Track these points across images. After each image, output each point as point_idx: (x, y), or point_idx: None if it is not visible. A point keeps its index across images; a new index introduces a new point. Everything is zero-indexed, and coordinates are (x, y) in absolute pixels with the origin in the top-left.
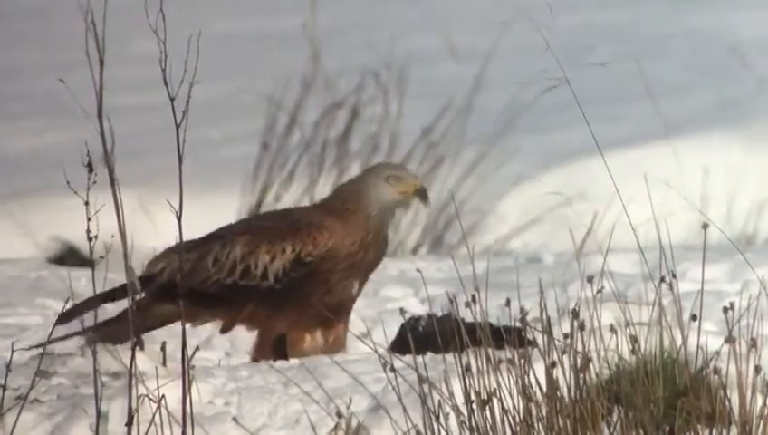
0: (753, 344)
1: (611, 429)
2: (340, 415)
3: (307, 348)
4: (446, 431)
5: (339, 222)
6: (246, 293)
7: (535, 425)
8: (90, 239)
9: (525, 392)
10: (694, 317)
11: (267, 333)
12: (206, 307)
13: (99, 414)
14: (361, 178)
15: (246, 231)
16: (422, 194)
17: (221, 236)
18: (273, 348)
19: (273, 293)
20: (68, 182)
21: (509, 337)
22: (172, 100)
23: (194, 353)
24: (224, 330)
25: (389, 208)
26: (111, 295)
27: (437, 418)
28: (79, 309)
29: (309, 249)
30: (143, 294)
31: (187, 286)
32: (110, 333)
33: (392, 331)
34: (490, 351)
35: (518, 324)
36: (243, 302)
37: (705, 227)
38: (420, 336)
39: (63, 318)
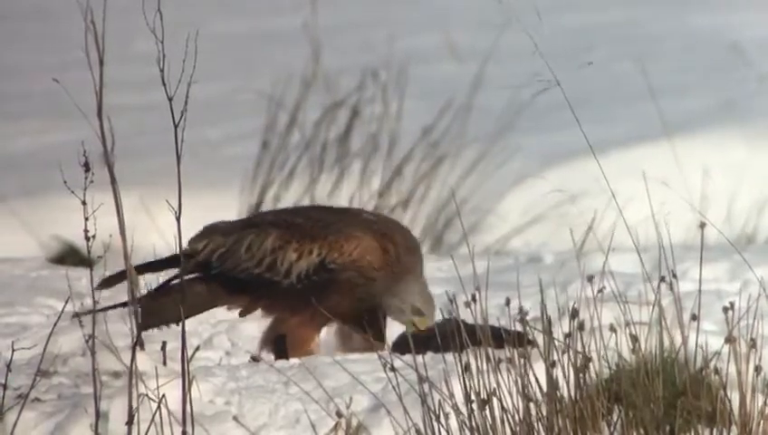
0: (753, 344)
1: (611, 428)
2: (340, 414)
3: (314, 348)
4: (446, 431)
5: (371, 240)
6: (269, 286)
7: (535, 425)
8: (87, 239)
9: (525, 392)
10: (694, 317)
11: (274, 326)
12: (233, 292)
13: (99, 413)
14: (415, 277)
15: (280, 224)
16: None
17: (258, 224)
18: (274, 345)
19: (293, 291)
20: (65, 182)
21: (509, 337)
22: (170, 99)
23: (194, 353)
24: (242, 313)
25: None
26: (154, 266)
27: (437, 417)
28: (122, 276)
29: (334, 256)
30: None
31: (220, 269)
32: (150, 308)
33: (392, 330)
34: (490, 350)
35: (518, 324)
36: (264, 293)
37: (702, 226)
38: (422, 337)
39: (105, 283)
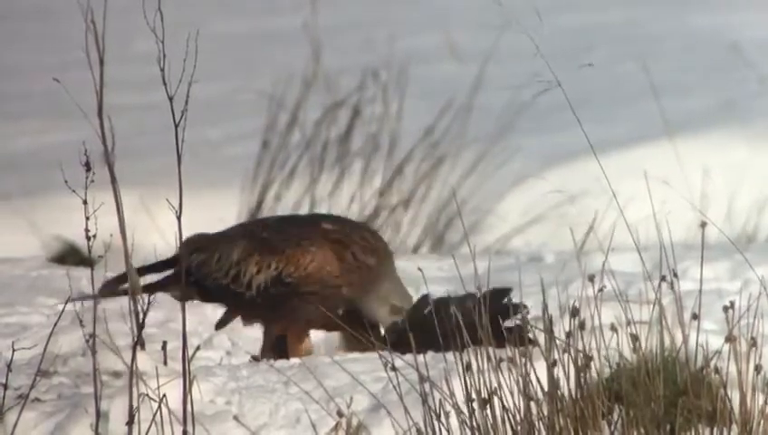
0: (753, 343)
1: (612, 427)
2: (340, 414)
3: (310, 347)
4: (447, 430)
5: (328, 251)
6: (234, 298)
7: (536, 424)
8: (88, 238)
9: (526, 391)
10: (694, 316)
11: (266, 334)
12: (207, 301)
13: (99, 413)
14: (387, 275)
15: (247, 235)
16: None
17: (229, 236)
18: (273, 347)
19: (256, 304)
20: (66, 181)
21: (510, 336)
22: (171, 99)
23: (195, 353)
24: (218, 326)
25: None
26: (155, 268)
27: (438, 417)
28: (122, 278)
29: (290, 270)
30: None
31: (196, 277)
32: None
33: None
34: (491, 349)
35: (519, 323)
36: (232, 305)
37: (702, 225)
38: (422, 337)
39: (106, 287)
